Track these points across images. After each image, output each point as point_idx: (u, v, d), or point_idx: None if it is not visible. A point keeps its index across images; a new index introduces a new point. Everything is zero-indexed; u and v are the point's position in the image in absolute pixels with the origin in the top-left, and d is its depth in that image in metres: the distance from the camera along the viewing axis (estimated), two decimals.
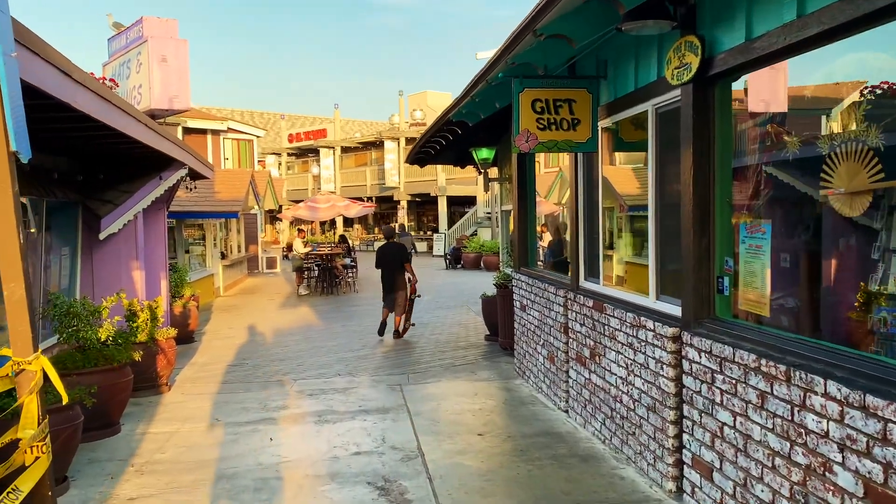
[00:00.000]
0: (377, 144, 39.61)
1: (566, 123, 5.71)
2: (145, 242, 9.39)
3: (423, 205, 40.10)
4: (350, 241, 25.51)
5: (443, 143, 10.82)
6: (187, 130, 22.37)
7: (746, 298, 4.02)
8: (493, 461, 5.41)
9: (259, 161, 35.40)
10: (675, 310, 4.62)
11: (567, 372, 6.54)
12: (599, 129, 5.80)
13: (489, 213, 29.09)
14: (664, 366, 4.54)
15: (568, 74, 6.18)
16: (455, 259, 27.02)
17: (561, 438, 5.89)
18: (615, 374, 5.39)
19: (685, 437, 4.38)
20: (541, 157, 8.54)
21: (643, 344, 4.85)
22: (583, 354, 6.10)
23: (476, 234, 30.46)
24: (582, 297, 6.10)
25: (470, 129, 9.46)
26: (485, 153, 11.20)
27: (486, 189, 15.43)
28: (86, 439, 5.90)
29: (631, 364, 5.07)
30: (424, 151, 11.95)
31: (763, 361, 3.50)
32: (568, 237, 8.93)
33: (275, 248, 31.51)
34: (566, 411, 6.59)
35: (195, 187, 12.76)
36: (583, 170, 6.39)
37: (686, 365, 4.33)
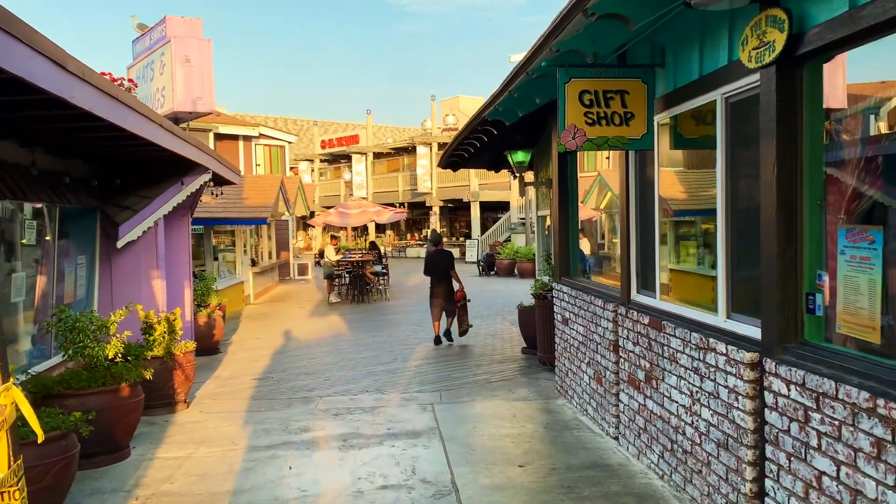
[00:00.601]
0: (409, 150, 39.16)
1: (618, 118, 5.08)
2: (167, 250, 8.98)
3: (455, 210, 39.52)
4: (381, 248, 25.03)
5: (476, 145, 10.25)
6: (219, 136, 22.21)
7: (847, 321, 3.34)
8: (537, 499, 4.78)
9: (291, 168, 35.26)
10: (753, 331, 3.95)
11: (617, 395, 5.88)
12: (656, 123, 5.15)
13: (523, 219, 28.38)
14: (740, 397, 3.88)
15: (618, 63, 5.55)
16: (488, 265, 26.39)
17: (613, 472, 5.24)
18: (676, 402, 4.72)
19: (768, 482, 3.71)
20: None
21: (712, 369, 4.19)
22: (636, 377, 5.44)
23: (510, 240, 29.75)
24: (635, 312, 5.45)
25: (505, 131, 8.87)
26: (520, 156, 10.59)
27: (522, 194, 14.79)
28: (92, 465, 5.47)
29: (696, 392, 4.41)
30: (458, 155, 11.39)
31: (880, 402, 2.83)
32: (605, 244, 8.30)
33: (307, 255, 31.22)
34: (616, 438, 5.93)
35: (221, 193, 12.37)
36: (635, 169, 5.74)
37: (769, 398, 3.66)
